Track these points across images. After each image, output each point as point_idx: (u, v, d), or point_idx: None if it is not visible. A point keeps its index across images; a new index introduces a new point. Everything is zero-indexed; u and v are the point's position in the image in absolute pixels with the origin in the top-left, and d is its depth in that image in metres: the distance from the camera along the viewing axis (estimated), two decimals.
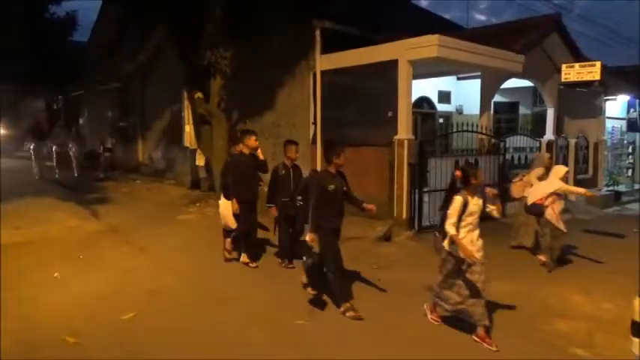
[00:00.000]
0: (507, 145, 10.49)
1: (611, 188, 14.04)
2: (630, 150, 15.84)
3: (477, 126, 9.68)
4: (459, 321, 4.45)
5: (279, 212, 6.29)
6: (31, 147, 15.51)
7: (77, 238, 7.82)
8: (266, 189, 6.54)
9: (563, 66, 11.65)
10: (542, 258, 6.84)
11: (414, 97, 9.60)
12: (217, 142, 11.20)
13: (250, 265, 6.37)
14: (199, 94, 11.21)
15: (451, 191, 4.35)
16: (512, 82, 11.67)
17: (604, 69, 11.39)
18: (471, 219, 4.25)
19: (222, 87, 11.00)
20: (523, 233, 7.39)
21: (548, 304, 5.26)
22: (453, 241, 4.26)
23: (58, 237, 7.82)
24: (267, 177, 6.56)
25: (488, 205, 4.38)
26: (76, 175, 15.14)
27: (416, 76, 9.22)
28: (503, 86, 11.51)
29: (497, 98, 12.27)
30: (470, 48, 9.13)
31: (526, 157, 11.09)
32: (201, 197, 11.37)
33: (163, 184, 13.94)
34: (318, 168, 10.10)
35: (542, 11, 17.30)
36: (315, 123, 10.56)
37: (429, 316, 4.68)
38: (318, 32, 10.22)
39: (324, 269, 4.86)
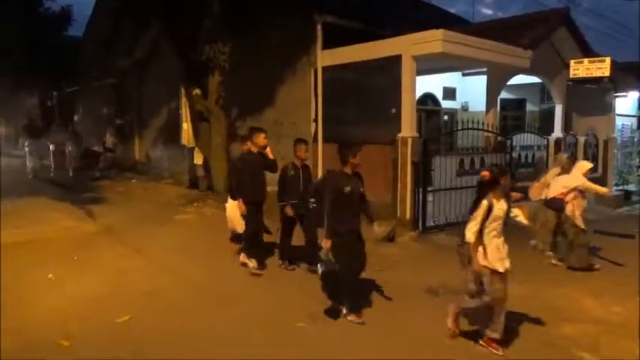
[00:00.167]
0: (514, 143, 10.47)
1: (620, 187, 14.02)
2: None
3: (483, 123, 9.66)
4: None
5: (284, 214, 6.21)
6: (26, 145, 15.51)
7: (72, 238, 7.82)
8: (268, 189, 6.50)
9: (572, 62, 11.63)
10: (554, 261, 6.75)
11: (418, 94, 9.58)
12: (216, 139, 11.21)
13: (256, 271, 6.10)
14: (197, 91, 11.21)
15: (480, 194, 4.15)
16: (520, 79, 11.65)
17: (614, 65, 11.36)
18: (495, 224, 4.08)
19: (221, 83, 10.99)
20: (543, 234, 7.17)
21: (556, 306, 5.25)
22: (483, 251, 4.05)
23: (52, 237, 7.81)
24: (271, 177, 6.47)
25: (512, 210, 4.23)
26: (70, 174, 15.14)
27: (420, 72, 9.20)
28: (509, 82, 11.49)
29: (504, 95, 12.24)
30: (476, 43, 9.11)
31: (533, 155, 11.07)
32: (199, 197, 11.36)
33: (160, 184, 13.94)
34: (320, 167, 10.10)
35: (550, 5, 17.23)
36: (316, 120, 10.55)
37: (449, 324, 4.39)
38: (319, 27, 10.21)
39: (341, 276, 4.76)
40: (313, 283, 5.80)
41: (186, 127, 13.39)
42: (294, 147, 6.31)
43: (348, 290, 4.78)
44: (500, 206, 4.07)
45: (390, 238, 7.96)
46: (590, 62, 11.44)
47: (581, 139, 12.64)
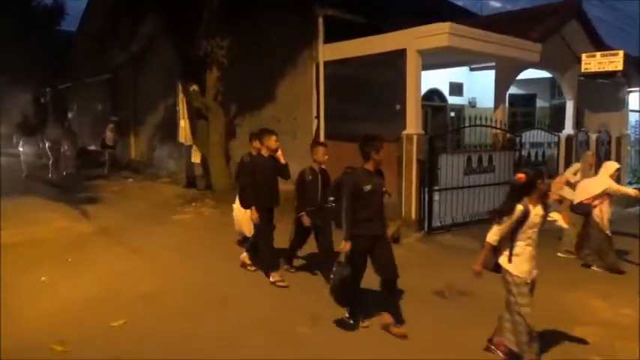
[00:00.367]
0: (524, 141, 10.45)
1: (634, 186, 13.97)
2: None
3: (491, 120, 9.63)
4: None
5: (299, 221, 5.96)
6: (21, 143, 15.55)
7: (66, 239, 7.84)
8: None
9: (584, 55, 11.58)
10: (593, 267, 6.65)
11: (423, 90, 9.58)
12: (214, 137, 11.21)
13: (280, 283, 5.85)
14: (195, 87, 11.22)
15: (513, 199, 3.83)
16: (529, 73, 11.63)
17: (627, 58, 11.32)
18: (531, 232, 3.82)
19: (219, 79, 11.00)
20: (571, 237, 7.06)
21: (566, 309, 5.24)
22: (510, 259, 3.84)
23: (46, 238, 7.84)
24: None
25: (551, 214, 3.98)
26: (64, 173, 15.16)
27: (425, 67, 9.19)
28: (519, 77, 11.47)
29: (513, 90, 12.22)
30: (483, 36, 9.10)
31: (544, 152, 11.05)
32: (197, 196, 11.38)
33: (157, 183, 13.97)
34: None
35: None
36: (317, 117, 10.55)
37: (494, 343, 4.18)
38: (320, 20, 10.20)
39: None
40: (314, 285, 5.83)
41: (184, 124, 13.42)
42: (312, 150, 6.07)
43: (353, 297, 4.69)
44: (536, 212, 3.81)
45: (394, 239, 7.97)
46: (602, 56, 11.39)
47: (593, 136, 12.59)
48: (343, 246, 4.46)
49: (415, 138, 8.71)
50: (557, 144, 11.39)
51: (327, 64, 10.29)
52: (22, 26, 18.02)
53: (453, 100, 13.63)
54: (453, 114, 13.67)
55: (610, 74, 11.53)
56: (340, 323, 4.70)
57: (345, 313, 4.73)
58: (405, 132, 8.81)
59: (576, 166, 7.12)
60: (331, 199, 4.89)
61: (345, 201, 4.46)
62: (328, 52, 10.25)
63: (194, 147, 12.44)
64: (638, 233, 8.58)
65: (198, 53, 10.57)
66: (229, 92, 11.46)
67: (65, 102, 23.58)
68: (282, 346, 4.36)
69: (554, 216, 4.01)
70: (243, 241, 6.81)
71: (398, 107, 8.96)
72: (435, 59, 9.93)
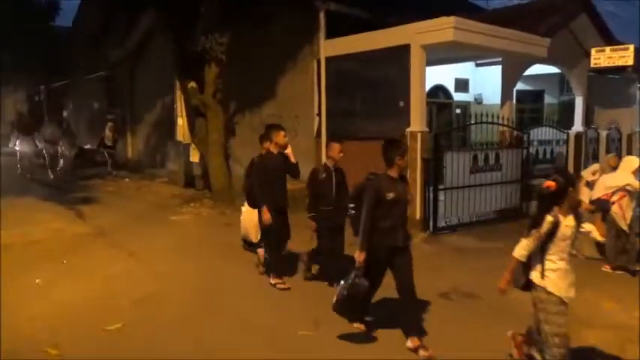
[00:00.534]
0: (531, 138, 10.41)
1: None
2: None
3: (498, 117, 9.62)
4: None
5: (321, 222, 5.80)
6: (17, 143, 15.58)
7: (61, 241, 7.86)
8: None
9: (593, 50, 11.54)
10: (606, 268, 6.59)
11: (428, 86, 9.56)
12: (213, 135, 11.21)
13: (280, 285, 5.82)
14: (193, 84, 11.21)
15: (543, 208, 3.62)
16: (537, 69, 11.60)
17: (638, 53, 11.28)
18: (563, 244, 3.58)
19: (218, 75, 10.99)
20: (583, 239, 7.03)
21: (575, 312, 5.22)
22: (543, 275, 3.61)
23: (40, 240, 7.86)
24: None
25: (584, 225, 3.73)
26: (59, 174, 15.19)
27: (430, 63, 9.19)
28: (526, 73, 11.45)
29: (520, 86, 12.20)
30: (489, 31, 9.08)
31: (552, 150, 11.02)
32: (195, 196, 11.40)
33: (154, 182, 13.99)
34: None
35: None
36: (319, 114, 10.54)
37: (515, 353, 4.06)
38: (322, 15, 10.19)
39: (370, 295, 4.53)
40: (315, 287, 5.82)
41: (182, 122, 13.41)
42: (327, 147, 6.00)
43: (361, 312, 4.61)
44: (567, 223, 3.56)
45: None
46: (612, 50, 11.35)
47: (604, 134, 12.57)
48: (357, 256, 4.30)
49: (419, 136, 8.70)
50: (567, 141, 11.36)
51: (328, 60, 10.27)
52: (16, 22, 18.04)
53: (458, 96, 13.62)
54: (458, 111, 13.67)
55: (620, 69, 11.50)
56: (352, 337, 4.55)
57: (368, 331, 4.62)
58: (409, 129, 8.79)
59: (595, 166, 7.05)
60: (351, 205, 4.68)
61: (365, 209, 4.29)
62: (330, 47, 10.24)
63: (192, 146, 12.46)
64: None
65: (196, 49, 10.55)
66: (228, 89, 11.45)
67: (60, 100, 23.62)
68: (283, 350, 4.36)
69: (587, 227, 3.77)
70: (249, 245, 6.79)
71: (401, 104, 8.95)
72: (440, 54, 9.93)
